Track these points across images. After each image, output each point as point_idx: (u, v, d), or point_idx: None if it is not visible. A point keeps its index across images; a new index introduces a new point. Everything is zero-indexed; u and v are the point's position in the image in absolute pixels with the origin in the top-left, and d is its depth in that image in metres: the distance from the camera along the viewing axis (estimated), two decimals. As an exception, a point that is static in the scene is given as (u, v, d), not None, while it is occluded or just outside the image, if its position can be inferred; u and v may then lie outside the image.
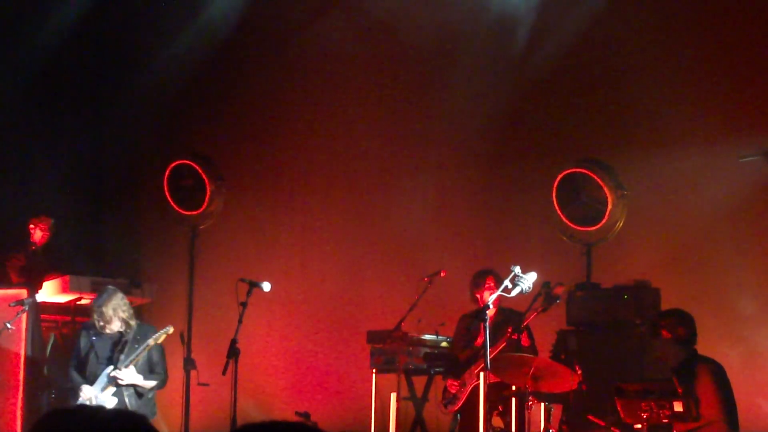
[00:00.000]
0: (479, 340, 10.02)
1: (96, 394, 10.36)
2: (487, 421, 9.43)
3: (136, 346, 10.36)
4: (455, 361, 11.06)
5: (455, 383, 10.79)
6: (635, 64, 12.30)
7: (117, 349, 10.45)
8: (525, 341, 10.30)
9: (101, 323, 10.48)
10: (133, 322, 10.57)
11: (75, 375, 10.60)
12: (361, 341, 12.37)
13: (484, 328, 8.83)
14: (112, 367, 10.37)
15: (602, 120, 12.59)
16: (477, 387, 10.38)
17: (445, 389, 10.97)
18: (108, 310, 10.47)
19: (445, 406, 10.94)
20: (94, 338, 10.54)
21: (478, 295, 10.90)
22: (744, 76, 11.71)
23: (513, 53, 12.90)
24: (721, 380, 8.86)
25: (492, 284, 10.76)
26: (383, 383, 11.68)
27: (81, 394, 10.47)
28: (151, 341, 10.35)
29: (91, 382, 10.42)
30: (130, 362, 10.31)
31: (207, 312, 14.12)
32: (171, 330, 10.55)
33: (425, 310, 11.49)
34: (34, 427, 3.72)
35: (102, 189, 15.97)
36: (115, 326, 10.50)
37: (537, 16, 12.73)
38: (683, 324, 9.02)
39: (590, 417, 9.45)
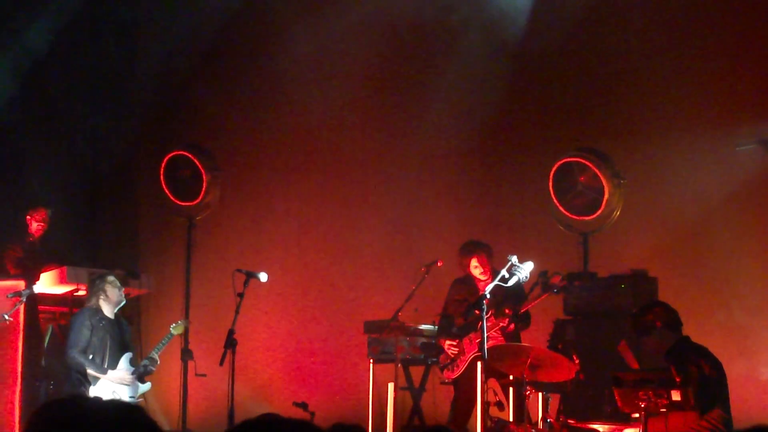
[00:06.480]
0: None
1: (129, 383, 10.72)
2: (484, 405, 9.40)
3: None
4: (452, 323, 11.02)
5: (454, 343, 10.74)
6: (632, 54, 12.29)
7: (126, 337, 10.91)
8: (510, 328, 10.34)
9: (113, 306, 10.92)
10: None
11: (86, 361, 10.71)
12: (358, 331, 12.36)
13: (482, 320, 8.86)
14: (131, 354, 10.80)
15: (599, 109, 12.59)
16: (476, 359, 10.34)
17: (443, 351, 10.89)
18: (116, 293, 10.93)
19: (442, 370, 10.86)
20: (103, 323, 10.75)
21: (466, 263, 10.90)
22: (741, 65, 11.70)
23: (510, 42, 12.88)
24: (715, 369, 8.85)
25: (483, 255, 10.77)
26: (380, 373, 11.68)
27: (108, 378, 10.67)
28: (173, 331, 11.05)
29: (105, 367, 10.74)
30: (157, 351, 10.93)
31: (204, 302, 14.11)
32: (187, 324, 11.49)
33: (422, 300, 11.48)
34: (31, 418, 3.71)
35: (99, 180, 15.93)
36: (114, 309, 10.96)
37: (534, 5, 12.73)
38: (670, 310, 9.00)
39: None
